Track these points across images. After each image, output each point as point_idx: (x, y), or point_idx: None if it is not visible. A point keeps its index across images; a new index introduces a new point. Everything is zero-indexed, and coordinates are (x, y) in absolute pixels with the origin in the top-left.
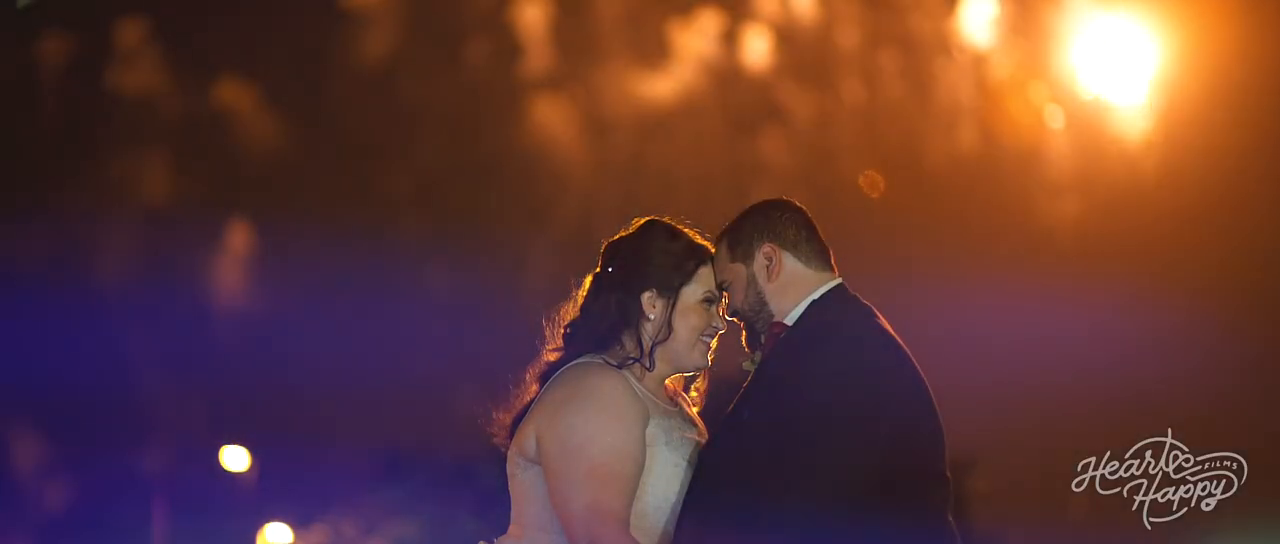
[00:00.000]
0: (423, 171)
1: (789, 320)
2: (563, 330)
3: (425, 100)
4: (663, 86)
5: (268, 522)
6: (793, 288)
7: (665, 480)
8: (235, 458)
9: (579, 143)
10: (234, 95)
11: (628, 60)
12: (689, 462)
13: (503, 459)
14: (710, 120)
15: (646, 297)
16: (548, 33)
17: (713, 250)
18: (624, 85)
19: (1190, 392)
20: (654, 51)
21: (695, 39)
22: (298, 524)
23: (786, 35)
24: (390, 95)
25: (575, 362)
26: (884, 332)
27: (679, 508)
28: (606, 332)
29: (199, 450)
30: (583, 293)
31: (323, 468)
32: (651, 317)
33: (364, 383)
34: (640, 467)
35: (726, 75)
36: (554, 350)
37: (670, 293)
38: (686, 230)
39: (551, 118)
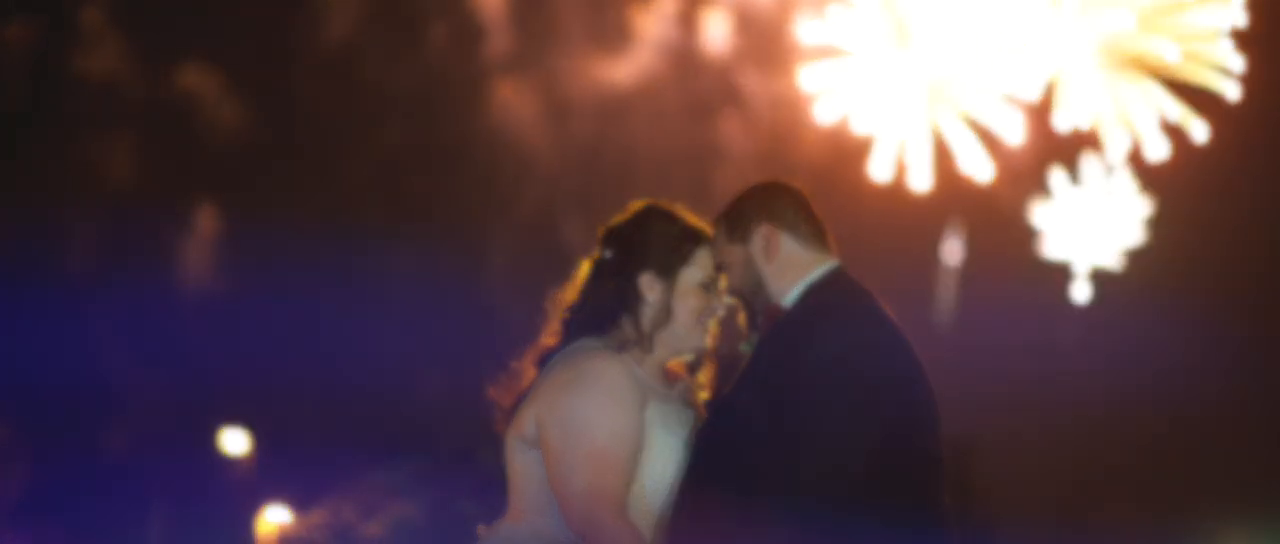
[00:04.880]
0: (388, 155)
1: (786, 302)
2: (561, 315)
3: (388, 84)
4: (623, 70)
5: (266, 505)
6: (790, 269)
7: (662, 463)
8: (235, 441)
9: (540, 126)
10: (198, 80)
11: (588, 44)
12: (686, 444)
13: (501, 443)
14: (670, 104)
15: (644, 280)
16: (508, 16)
17: (710, 233)
18: (584, 69)
19: (1181, 385)
20: (614, 35)
21: (654, 22)
22: (296, 507)
23: (745, 19)
24: (353, 79)
25: (575, 346)
26: (880, 315)
27: (676, 490)
28: (605, 316)
29: (185, 435)
30: (581, 278)
31: (318, 452)
32: (650, 300)
33: (344, 367)
34: (639, 451)
35: (686, 59)
36: (552, 335)
37: (668, 276)
38: (683, 213)
39: (513, 101)
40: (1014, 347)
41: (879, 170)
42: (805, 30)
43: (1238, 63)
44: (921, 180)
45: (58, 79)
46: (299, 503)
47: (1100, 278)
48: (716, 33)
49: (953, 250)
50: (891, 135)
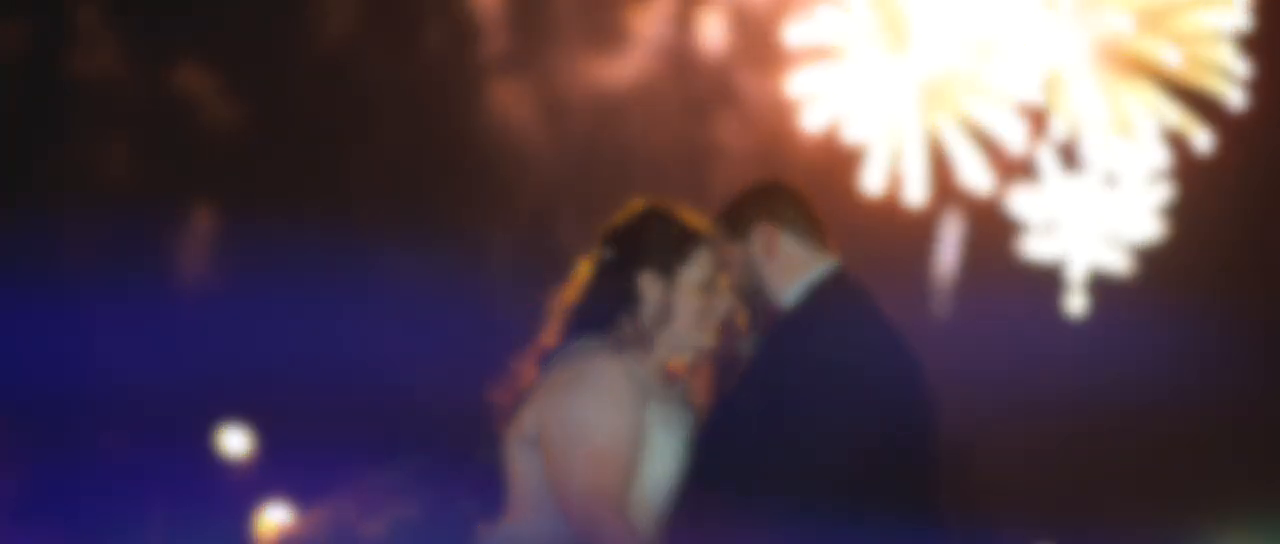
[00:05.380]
0: (387, 154)
1: (786, 301)
2: (561, 315)
3: (386, 84)
4: (619, 70)
5: (266, 505)
6: (790, 269)
7: (662, 463)
8: (234, 441)
9: (537, 126)
10: (194, 79)
11: (584, 44)
12: (686, 444)
13: (501, 443)
14: (667, 103)
15: (645, 279)
16: (506, 16)
17: (712, 232)
18: (581, 69)
19: (1182, 386)
20: (610, 35)
21: (651, 22)
22: (296, 507)
23: (743, 18)
24: (350, 79)
25: (575, 346)
26: (880, 314)
27: (675, 490)
28: (605, 316)
29: (184, 435)
30: (581, 277)
31: (318, 452)
32: (650, 299)
33: (343, 367)
34: (639, 451)
35: (682, 58)
36: (552, 335)
37: (668, 275)
38: (684, 213)
39: (510, 101)
40: (1013, 344)
41: (872, 181)
42: (795, 32)
43: (1242, 67)
44: (916, 192)
45: (54, 79)
46: (299, 503)
47: (1103, 275)
48: (714, 32)
49: (950, 244)
50: (885, 143)
